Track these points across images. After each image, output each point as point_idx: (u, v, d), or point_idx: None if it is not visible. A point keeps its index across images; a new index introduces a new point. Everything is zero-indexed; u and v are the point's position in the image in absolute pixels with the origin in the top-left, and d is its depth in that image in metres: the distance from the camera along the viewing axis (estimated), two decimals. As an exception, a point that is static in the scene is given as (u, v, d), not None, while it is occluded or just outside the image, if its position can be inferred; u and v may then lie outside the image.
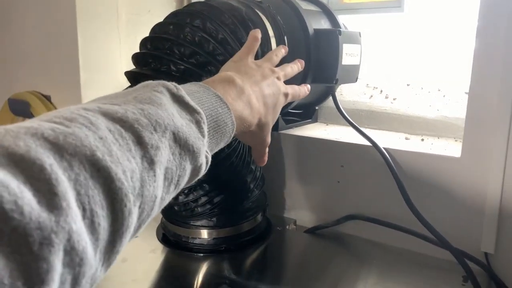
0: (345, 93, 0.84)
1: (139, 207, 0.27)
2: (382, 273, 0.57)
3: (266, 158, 0.53)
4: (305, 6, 0.70)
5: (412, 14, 0.83)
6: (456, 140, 0.67)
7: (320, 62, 0.65)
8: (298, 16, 0.66)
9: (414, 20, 0.83)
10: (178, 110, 0.32)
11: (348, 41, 0.67)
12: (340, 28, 0.72)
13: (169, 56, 0.55)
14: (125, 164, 0.26)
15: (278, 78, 0.50)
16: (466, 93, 0.74)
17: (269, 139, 0.51)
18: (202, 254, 0.60)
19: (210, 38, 0.55)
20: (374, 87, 0.85)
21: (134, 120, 0.28)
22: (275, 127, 0.72)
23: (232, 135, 0.39)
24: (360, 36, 0.71)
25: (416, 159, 0.60)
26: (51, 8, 1.06)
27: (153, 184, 0.27)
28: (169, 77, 0.54)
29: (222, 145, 0.38)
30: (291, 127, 0.73)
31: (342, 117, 0.68)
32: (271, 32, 0.61)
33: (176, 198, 0.57)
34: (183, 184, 0.33)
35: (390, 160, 0.59)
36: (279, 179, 0.74)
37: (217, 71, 0.54)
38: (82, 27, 1.01)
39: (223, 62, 0.54)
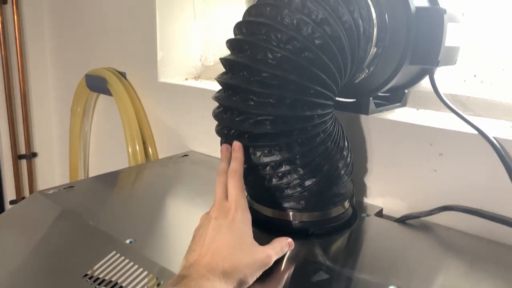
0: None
1: None
2: (474, 265, 0.53)
3: (287, 241, 0.54)
4: (403, -18, 0.65)
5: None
6: None
7: (421, 42, 0.61)
8: (399, -8, 0.62)
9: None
10: None
11: (452, 20, 0.62)
12: (438, 5, 0.67)
13: (265, 43, 0.53)
14: None
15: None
16: None
17: (267, 252, 0.50)
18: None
19: (309, 20, 0.53)
20: (467, 71, 0.79)
21: None
22: (365, 110, 0.69)
23: None
24: (463, 15, 0.66)
25: (529, 150, 0.55)
26: (131, -14, 1.07)
27: None
28: (265, 65, 0.53)
29: None
30: (381, 111, 0.70)
31: (441, 101, 0.64)
32: (372, 10, 0.58)
33: (269, 181, 0.56)
34: None
35: (501, 150, 0.55)
36: (365, 164, 0.71)
37: (314, 57, 0.51)
38: (160, 5, 1.01)
39: (320, 47, 0.52)
